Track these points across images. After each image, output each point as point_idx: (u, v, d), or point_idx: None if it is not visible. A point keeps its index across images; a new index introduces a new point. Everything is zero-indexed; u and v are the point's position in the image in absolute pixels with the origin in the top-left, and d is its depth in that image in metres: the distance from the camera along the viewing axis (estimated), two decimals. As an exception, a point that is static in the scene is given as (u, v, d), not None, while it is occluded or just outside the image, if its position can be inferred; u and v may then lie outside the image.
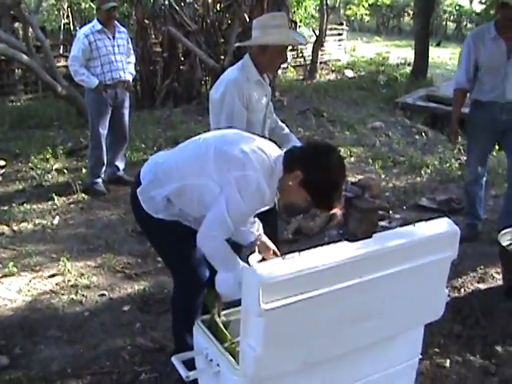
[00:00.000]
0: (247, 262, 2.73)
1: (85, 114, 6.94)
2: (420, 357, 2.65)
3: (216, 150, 2.57)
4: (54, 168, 6.78)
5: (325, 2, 15.31)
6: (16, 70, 11.76)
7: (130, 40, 6.22)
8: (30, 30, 8.98)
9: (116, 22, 6.01)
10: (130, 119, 6.44)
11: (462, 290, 4.17)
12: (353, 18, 26.98)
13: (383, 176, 6.76)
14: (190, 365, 2.48)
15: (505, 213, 4.83)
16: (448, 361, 3.33)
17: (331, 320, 2.15)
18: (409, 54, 16.25)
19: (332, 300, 2.09)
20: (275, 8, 9.33)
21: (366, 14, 22.77)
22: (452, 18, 32.59)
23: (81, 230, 5.27)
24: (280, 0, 9.92)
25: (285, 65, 12.88)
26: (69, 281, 4.28)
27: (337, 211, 5.07)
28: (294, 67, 14.94)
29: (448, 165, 7.19)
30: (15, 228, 5.24)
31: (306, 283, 2.01)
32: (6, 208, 5.62)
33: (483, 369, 3.29)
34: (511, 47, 4.47)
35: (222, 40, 10.82)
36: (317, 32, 15.13)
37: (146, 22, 10.72)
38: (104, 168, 6.15)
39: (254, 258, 2.86)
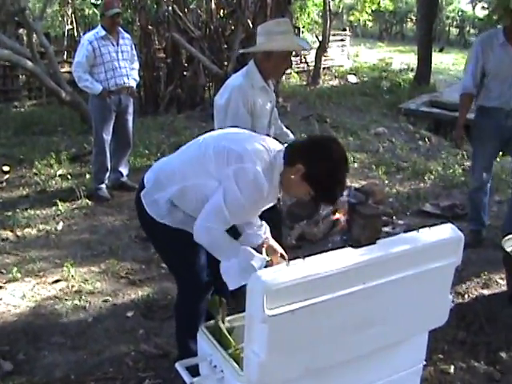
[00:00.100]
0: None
1: (89, 119, 6.96)
2: (424, 363, 2.65)
3: (215, 149, 2.58)
4: (57, 174, 6.78)
5: (328, 8, 15.36)
6: (20, 76, 11.81)
7: (133, 46, 6.24)
8: (35, 36, 9.03)
9: (120, 28, 6.03)
10: (134, 125, 6.45)
11: (466, 296, 4.16)
12: (356, 24, 27.10)
13: (387, 182, 6.76)
14: (193, 371, 2.48)
15: (509, 219, 4.81)
16: (452, 367, 3.32)
17: (335, 326, 2.15)
18: (412, 59, 16.29)
19: (336, 306, 2.09)
20: (278, 14, 9.34)
21: (369, 20, 22.79)
22: (455, 23, 32.67)
23: (84, 235, 5.27)
24: (283, 6, 9.94)
25: (288, 70, 12.88)
26: (72, 286, 4.28)
27: (340, 217, 5.08)
28: (297, 73, 14.96)
29: (451, 170, 7.19)
30: (19, 233, 5.25)
31: (310, 289, 2.01)
32: (10, 213, 5.62)
33: (487, 375, 3.28)
34: None
35: (226, 46, 10.83)
36: (320, 38, 15.16)
37: (150, 28, 10.76)
38: (108, 174, 6.15)
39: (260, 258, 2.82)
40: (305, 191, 2.51)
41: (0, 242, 5.05)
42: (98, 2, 15.05)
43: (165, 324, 3.76)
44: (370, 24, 26.68)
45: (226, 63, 10.38)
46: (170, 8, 10.52)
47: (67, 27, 15.38)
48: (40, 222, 5.52)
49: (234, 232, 2.75)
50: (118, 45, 5.89)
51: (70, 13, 16.25)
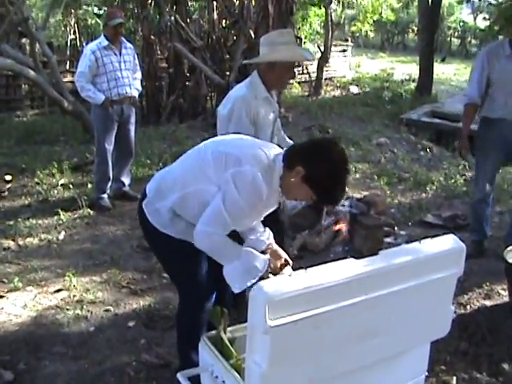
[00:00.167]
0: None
1: (91, 129, 6.98)
2: (426, 374, 2.63)
3: (213, 154, 2.58)
4: (59, 183, 6.79)
5: (330, 19, 15.42)
6: (23, 86, 11.87)
7: (136, 56, 6.26)
8: (37, 45, 9.05)
9: (122, 38, 6.05)
10: (136, 135, 6.46)
11: (468, 307, 4.15)
12: (357, 35, 27.20)
13: (388, 192, 6.75)
14: (195, 381, 2.48)
15: None
16: (454, 378, 3.31)
17: (337, 337, 2.14)
18: (413, 70, 16.33)
19: (338, 317, 2.09)
20: (280, 24, 9.37)
21: (370, 31, 22.92)
22: (456, 34, 32.79)
23: (86, 245, 5.27)
24: (285, 16, 9.97)
25: (290, 81, 12.92)
26: (74, 296, 4.28)
27: (342, 228, 5.08)
28: (299, 83, 15.01)
29: (453, 181, 7.19)
30: (21, 243, 5.25)
31: (312, 300, 2.01)
32: (11, 223, 5.63)
33: (490, 387, 3.27)
34: None
35: (228, 56, 10.89)
36: (322, 48, 15.22)
37: (152, 38, 10.81)
38: (110, 183, 6.16)
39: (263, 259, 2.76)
40: (305, 194, 2.50)
41: (2, 252, 5.05)
42: (101, 12, 15.18)
43: (166, 334, 3.75)
44: (371, 34, 26.83)
45: (227, 73, 10.42)
46: (173, 18, 10.57)
47: (70, 37, 15.48)
48: (42, 231, 5.52)
49: (237, 239, 2.73)
50: (120, 55, 5.91)
51: (72, 23, 16.37)
